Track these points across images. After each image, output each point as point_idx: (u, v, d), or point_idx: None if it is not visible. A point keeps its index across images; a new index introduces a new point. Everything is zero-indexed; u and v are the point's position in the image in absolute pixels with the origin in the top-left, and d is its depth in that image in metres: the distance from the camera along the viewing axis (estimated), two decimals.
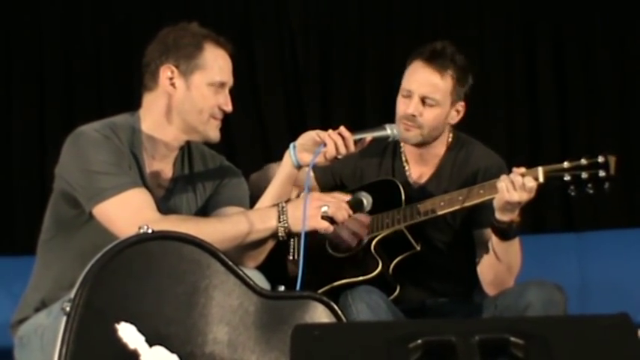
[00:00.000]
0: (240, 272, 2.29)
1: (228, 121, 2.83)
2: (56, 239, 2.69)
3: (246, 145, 4.90)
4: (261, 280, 2.40)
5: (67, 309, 2.13)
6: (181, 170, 2.78)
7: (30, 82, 4.95)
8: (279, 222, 2.62)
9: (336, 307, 2.35)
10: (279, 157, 2.80)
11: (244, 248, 2.64)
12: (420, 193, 3.05)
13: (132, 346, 2.16)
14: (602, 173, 2.76)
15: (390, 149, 3.13)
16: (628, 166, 4.55)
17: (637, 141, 4.86)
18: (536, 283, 2.82)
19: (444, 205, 2.92)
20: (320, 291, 2.85)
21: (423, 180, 3.11)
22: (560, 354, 1.78)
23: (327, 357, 1.81)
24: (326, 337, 1.84)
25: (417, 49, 3.07)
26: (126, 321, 2.16)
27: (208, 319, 2.23)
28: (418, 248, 3.00)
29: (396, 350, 1.78)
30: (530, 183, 2.75)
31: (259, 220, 2.63)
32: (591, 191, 2.78)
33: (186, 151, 2.80)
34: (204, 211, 2.77)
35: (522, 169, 2.79)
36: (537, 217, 4.74)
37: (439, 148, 3.10)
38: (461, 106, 3.08)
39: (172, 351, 2.18)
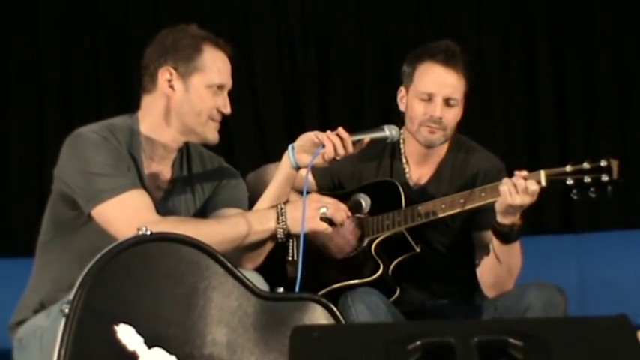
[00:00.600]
0: (239, 274, 2.29)
1: (226, 123, 2.83)
2: (55, 241, 2.69)
3: (245, 146, 4.89)
4: (259, 282, 2.39)
5: (66, 310, 2.13)
6: (180, 172, 2.78)
7: (28, 84, 4.94)
8: (278, 223, 2.62)
9: (334, 309, 2.35)
10: (277, 159, 2.80)
11: (243, 250, 2.64)
12: (420, 194, 3.04)
13: (131, 347, 2.16)
14: (604, 177, 2.74)
15: (389, 151, 3.12)
16: (626, 167, 4.53)
17: (635, 142, 4.86)
18: (537, 285, 2.81)
19: (445, 208, 2.91)
20: (320, 293, 2.85)
21: (423, 181, 3.10)
22: (558, 355, 1.78)
23: (326, 358, 1.81)
24: (325, 339, 1.84)
25: (421, 50, 3.05)
26: (125, 322, 2.16)
27: (207, 320, 2.23)
28: (418, 250, 2.99)
29: (395, 351, 1.78)
30: (533, 187, 2.73)
31: (258, 222, 2.63)
32: (594, 195, 2.75)
33: (185, 152, 2.80)
34: (203, 212, 2.77)
35: (524, 173, 2.77)
36: (536, 219, 4.73)
37: (442, 150, 3.09)
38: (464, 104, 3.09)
39: (171, 352, 2.18)
